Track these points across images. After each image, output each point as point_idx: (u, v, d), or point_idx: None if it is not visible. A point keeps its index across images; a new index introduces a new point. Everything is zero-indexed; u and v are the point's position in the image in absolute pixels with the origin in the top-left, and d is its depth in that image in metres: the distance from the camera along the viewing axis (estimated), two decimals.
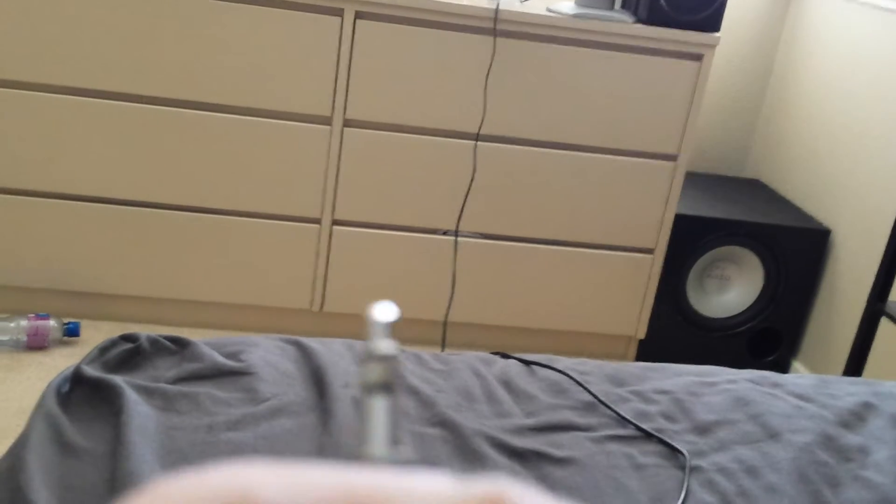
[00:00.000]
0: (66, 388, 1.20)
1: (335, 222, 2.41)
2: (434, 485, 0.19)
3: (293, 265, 2.43)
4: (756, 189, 2.87)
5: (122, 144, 2.28)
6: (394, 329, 0.27)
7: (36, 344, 2.25)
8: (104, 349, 1.25)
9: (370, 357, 0.26)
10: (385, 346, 0.26)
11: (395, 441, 0.25)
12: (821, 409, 1.36)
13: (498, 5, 2.28)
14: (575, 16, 2.32)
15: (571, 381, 1.35)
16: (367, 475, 0.19)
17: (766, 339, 2.69)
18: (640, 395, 1.35)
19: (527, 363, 1.40)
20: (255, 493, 0.18)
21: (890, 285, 2.02)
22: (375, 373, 0.26)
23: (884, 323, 2.07)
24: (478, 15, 2.27)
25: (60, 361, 2.19)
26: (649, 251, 2.52)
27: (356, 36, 2.26)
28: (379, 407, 0.25)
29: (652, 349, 2.60)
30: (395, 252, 2.44)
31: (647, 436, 1.26)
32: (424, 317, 2.49)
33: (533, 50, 2.32)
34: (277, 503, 0.18)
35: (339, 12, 2.24)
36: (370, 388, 0.26)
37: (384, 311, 0.27)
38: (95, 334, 2.32)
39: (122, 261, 2.38)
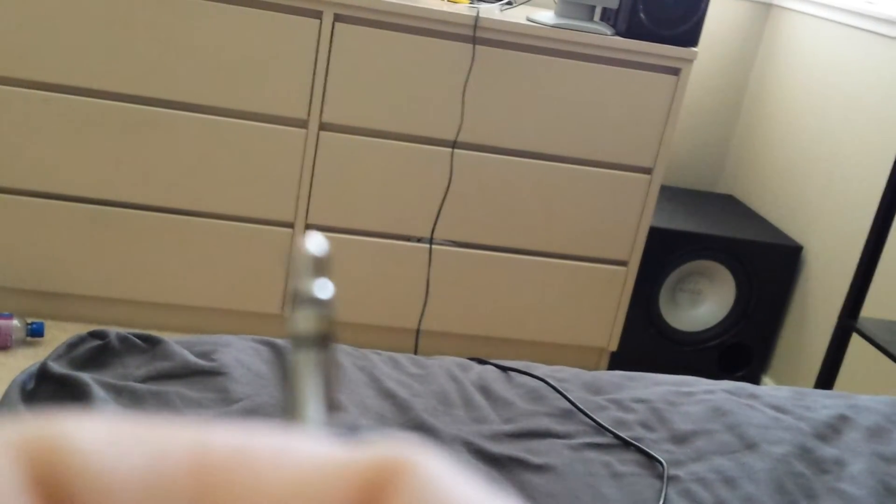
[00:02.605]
0: (31, 384, 1.16)
1: (308, 227, 2.38)
2: (313, 449, 0.16)
3: (265, 269, 2.40)
4: (729, 204, 2.89)
5: (94, 142, 2.24)
6: (326, 265, 0.22)
7: None
8: (72, 345, 1.21)
9: (301, 302, 0.21)
10: (319, 287, 0.22)
11: (330, 404, 0.20)
12: (797, 421, 1.35)
13: (478, 13, 2.27)
14: (554, 26, 2.32)
15: (549, 388, 1.33)
16: (228, 434, 0.16)
17: (737, 354, 2.70)
18: (618, 404, 1.33)
19: (504, 369, 1.38)
20: (62, 446, 0.15)
21: (861, 302, 2.03)
22: (308, 321, 0.21)
23: (854, 339, 2.08)
24: (458, 22, 2.26)
25: (23, 362, 2.13)
26: (623, 263, 2.52)
27: (334, 39, 2.24)
28: (310, 362, 0.21)
29: (623, 361, 2.59)
30: (368, 258, 2.42)
31: (625, 444, 1.25)
32: (397, 324, 2.47)
33: (512, 59, 2.32)
34: (90, 461, 0.15)
35: (317, 15, 2.22)
36: (301, 341, 0.21)
37: (316, 243, 0.22)
38: (60, 335, 2.27)
39: (90, 260, 2.33)
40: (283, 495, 0.15)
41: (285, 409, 0.20)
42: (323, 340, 0.21)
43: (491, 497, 0.15)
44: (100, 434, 0.15)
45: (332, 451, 0.16)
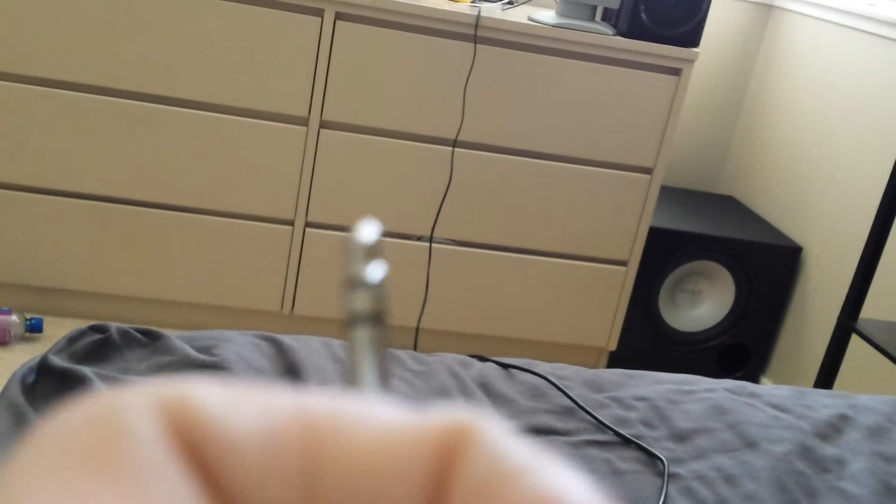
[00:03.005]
0: (31, 378, 1.16)
1: (308, 224, 2.38)
2: (392, 414, 0.18)
3: (264, 266, 2.40)
4: (730, 205, 2.89)
5: (94, 138, 2.24)
6: (377, 250, 0.24)
7: None
8: (72, 339, 1.21)
9: (355, 284, 0.23)
10: (371, 270, 0.24)
11: (384, 376, 0.22)
12: (798, 420, 1.35)
13: (479, 12, 2.27)
14: (556, 26, 2.32)
15: (549, 386, 1.33)
16: (322, 399, 0.18)
17: (736, 355, 2.70)
18: (619, 402, 1.33)
19: (505, 366, 1.38)
20: (193, 403, 0.17)
21: (861, 303, 2.03)
22: (362, 301, 0.23)
23: (854, 340, 2.08)
24: (459, 21, 2.26)
25: (22, 358, 2.13)
26: (623, 263, 2.52)
27: (336, 37, 2.24)
28: (366, 338, 0.23)
29: (622, 361, 2.59)
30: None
31: (626, 442, 1.25)
32: (396, 322, 2.47)
33: (513, 58, 2.32)
34: (218, 415, 0.17)
35: (318, 13, 2.22)
36: (356, 320, 0.23)
37: (367, 230, 0.24)
38: (59, 331, 2.26)
39: (89, 256, 2.33)
40: (376, 453, 0.17)
41: (346, 381, 0.21)
42: (376, 319, 0.23)
43: (547, 461, 0.17)
44: (219, 396, 0.17)
45: (407, 416, 0.18)
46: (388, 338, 0.23)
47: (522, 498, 0.16)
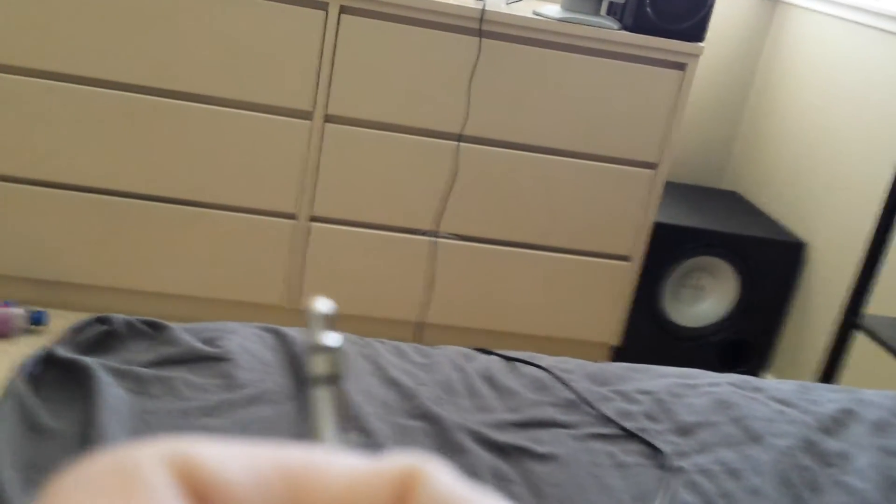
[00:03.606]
0: (36, 369, 1.16)
1: (312, 218, 2.38)
2: (353, 462, 0.21)
3: (268, 260, 2.40)
4: (733, 201, 2.88)
5: (98, 132, 2.24)
6: (334, 320, 0.27)
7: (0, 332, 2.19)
8: (77, 330, 1.21)
9: (316, 350, 0.27)
10: (329, 338, 0.27)
11: (342, 429, 0.26)
12: (802, 415, 1.35)
13: (484, 6, 2.27)
14: (561, 20, 2.32)
15: (553, 379, 1.33)
16: (296, 451, 0.21)
17: (738, 351, 2.69)
18: (623, 395, 1.33)
19: (508, 359, 1.38)
20: (195, 457, 0.20)
21: (864, 299, 2.03)
22: (322, 365, 0.26)
23: (857, 337, 2.08)
24: (464, 15, 2.26)
25: (25, 351, 2.13)
26: (626, 258, 2.52)
27: (340, 31, 2.24)
28: (326, 397, 0.26)
29: (625, 357, 2.59)
30: (372, 251, 2.42)
31: (630, 435, 1.25)
32: (400, 317, 2.47)
33: (518, 52, 2.31)
34: (216, 468, 0.20)
35: (323, 6, 2.22)
36: (318, 380, 0.26)
37: (324, 304, 0.28)
38: (62, 324, 2.26)
39: (93, 250, 2.33)
40: (344, 494, 0.20)
41: (309, 434, 0.25)
42: (335, 379, 0.26)
43: (486, 496, 0.20)
44: (214, 451, 0.20)
45: (365, 462, 0.21)
46: (345, 396, 0.27)
47: None
